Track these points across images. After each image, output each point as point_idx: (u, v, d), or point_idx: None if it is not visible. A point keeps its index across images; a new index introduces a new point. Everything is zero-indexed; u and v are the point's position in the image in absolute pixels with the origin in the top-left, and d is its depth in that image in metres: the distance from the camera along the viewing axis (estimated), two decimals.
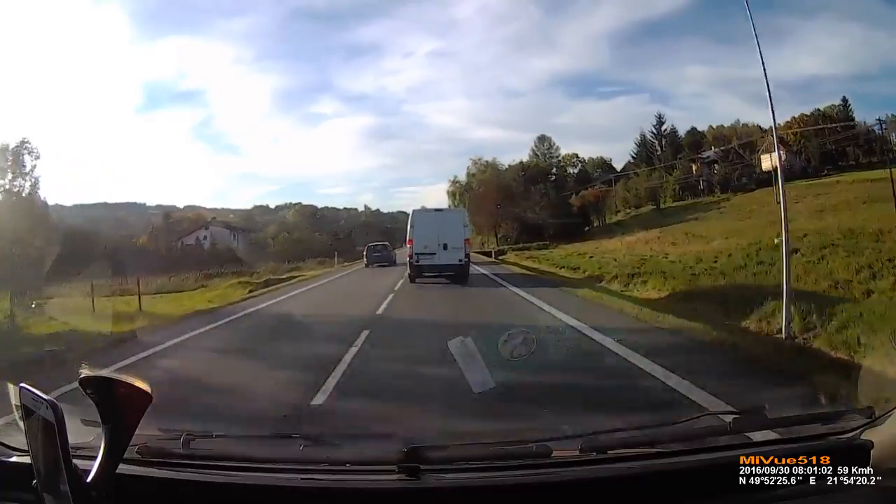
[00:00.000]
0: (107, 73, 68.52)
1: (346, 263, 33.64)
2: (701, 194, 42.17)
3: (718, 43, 66.84)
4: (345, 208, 60.27)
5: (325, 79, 76.91)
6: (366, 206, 65.90)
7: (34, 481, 1.14)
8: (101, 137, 69.93)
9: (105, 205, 46.29)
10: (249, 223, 51.19)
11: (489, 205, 47.15)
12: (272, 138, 79.92)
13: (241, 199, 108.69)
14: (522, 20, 72.53)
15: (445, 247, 15.42)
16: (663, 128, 49.12)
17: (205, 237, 44.13)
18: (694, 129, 48.34)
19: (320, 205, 60.42)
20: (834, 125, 38.60)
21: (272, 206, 59.76)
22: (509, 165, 52.88)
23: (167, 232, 44.45)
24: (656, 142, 48.80)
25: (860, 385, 4.25)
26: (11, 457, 1.47)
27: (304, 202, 59.68)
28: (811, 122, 39.41)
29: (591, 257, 26.03)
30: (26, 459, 1.29)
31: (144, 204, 49.43)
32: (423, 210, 17.49)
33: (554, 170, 52.68)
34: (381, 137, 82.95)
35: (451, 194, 53.40)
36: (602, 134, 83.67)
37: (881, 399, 1.83)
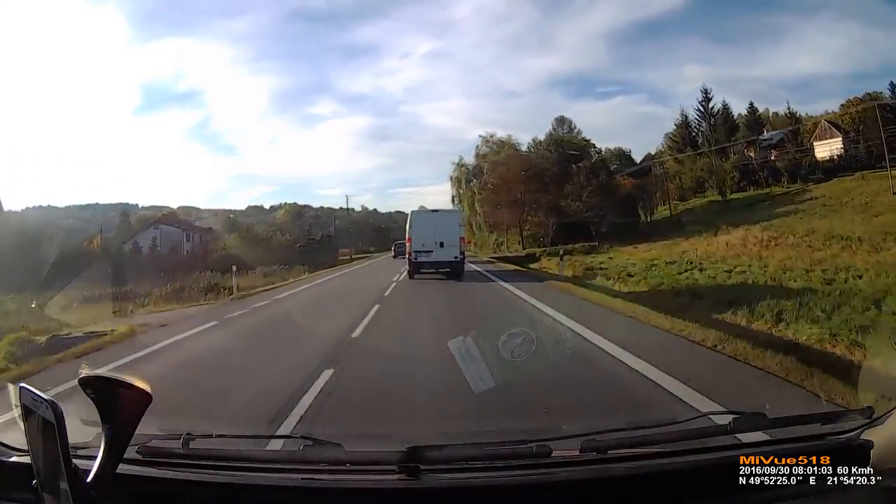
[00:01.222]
0: (104, 74, 68.21)
1: (272, 284, 19.59)
2: (764, 183, 34.73)
3: (716, 42, 66.81)
4: (340, 208, 58.92)
5: (322, 79, 76.56)
6: (363, 206, 64.48)
7: (34, 481, 1.14)
8: (96, 138, 69.55)
9: (97, 205, 45.64)
10: (230, 224, 44.82)
11: (509, 193, 36.65)
12: (270, 139, 79.73)
13: (238, 200, 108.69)
14: (520, 20, 72.40)
15: (442, 245, 16.46)
16: (711, 105, 38.91)
17: (153, 238, 37.61)
18: (751, 105, 39.50)
19: (316, 205, 58.46)
20: (883, 102, 32.93)
21: (266, 206, 58.79)
22: (534, 140, 41.51)
23: (126, 233, 39.03)
24: (703, 122, 38.95)
25: (860, 385, 4.25)
26: (11, 457, 1.47)
27: (300, 202, 57.22)
28: (865, 108, 33.65)
29: (701, 270, 18.97)
30: (26, 459, 1.29)
31: (137, 205, 48.41)
32: (421, 210, 18.94)
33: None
34: (378, 138, 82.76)
35: (456, 181, 43.56)
36: (601, 134, 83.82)
37: (881, 399, 1.84)
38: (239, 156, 76.98)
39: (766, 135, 37.47)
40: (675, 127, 40.61)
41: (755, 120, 38.85)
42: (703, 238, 26.98)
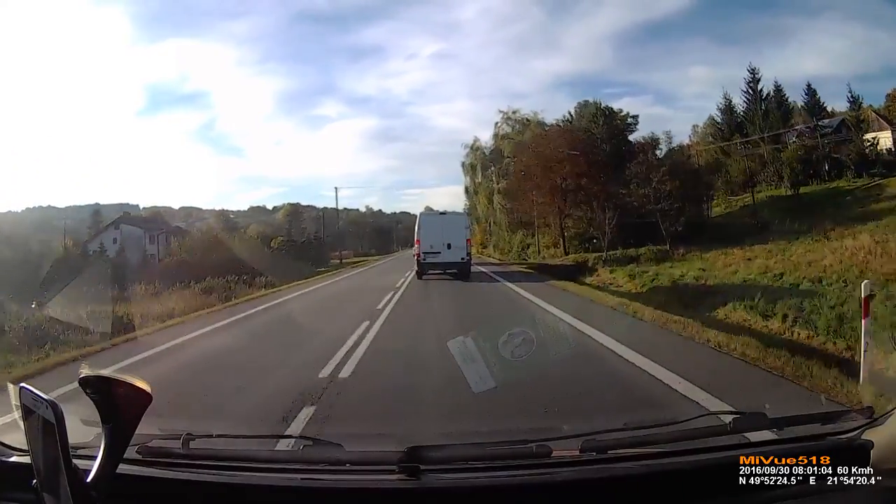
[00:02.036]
0: (108, 75, 68.29)
1: None
2: (827, 176, 29.00)
3: (721, 43, 66.67)
4: (344, 208, 58.03)
5: (328, 81, 76.49)
6: (368, 207, 63.99)
7: (34, 481, 1.15)
8: (100, 139, 69.59)
9: (97, 206, 44.85)
10: (222, 223, 40.58)
11: (546, 178, 27.95)
12: (276, 140, 79.75)
13: (245, 201, 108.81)
14: (525, 22, 72.36)
15: (449, 246, 16.92)
16: (760, 87, 32.44)
17: (114, 240, 32.88)
18: (809, 86, 32.86)
19: (321, 206, 56.78)
20: None
21: (270, 207, 58.10)
22: (576, 111, 32.17)
23: (93, 233, 34.98)
24: (755, 107, 32.61)
25: (860, 385, 4.26)
26: (11, 457, 1.47)
27: (303, 203, 55.77)
28: None
29: None
30: (26, 459, 1.29)
31: (138, 205, 47.74)
32: (429, 213, 19.69)
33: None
34: (385, 139, 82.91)
35: (470, 168, 35.80)
36: None
37: (881, 399, 1.84)
38: (245, 157, 77.10)
39: (826, 122, 31.90)
40: (718, 112, 34.44)
41: (814, 104, 32.48)
42: (815, 241, 20.04)
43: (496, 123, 34.78)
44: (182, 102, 74.60)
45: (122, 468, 1.13)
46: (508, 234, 34.29)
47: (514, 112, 33.80)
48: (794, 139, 31.16)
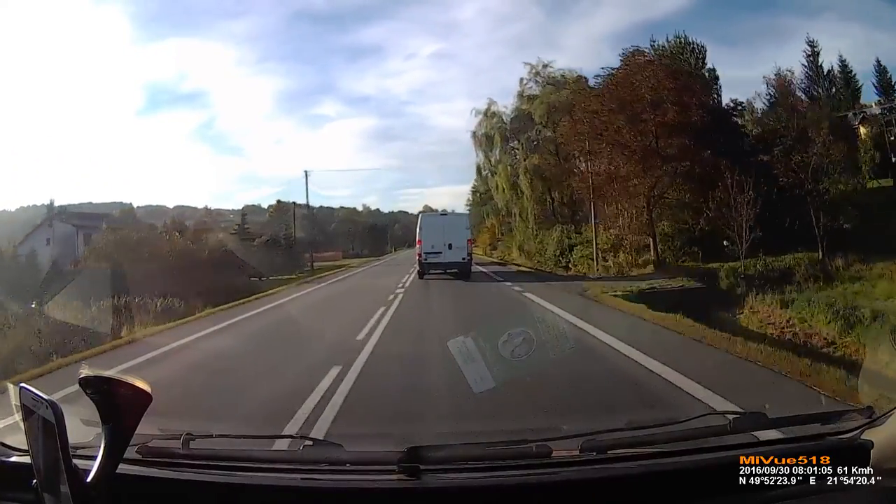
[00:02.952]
0: (107, 74, 67.61)
1: None
2: None
3: (719, 44, 66.08)
4: (340, 207, 57.01)
5: (327, 80, 75.63)
6: (365, 206, 63.37)
7: (34, 481, 1.14)
8: (98, 138, 68.67)
9: (90, 205, 44.26)
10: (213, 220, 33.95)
11: (632, 137, 18.58)
12: (275, 140, 78.98)
13: (245, 200, 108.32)
14: (525, 21, 71.93)
15: (450, 246, 17.22)
16: (820, 62, 25.71)
17: (48, 240, 28.12)
18: (878, 63, 25.67)
19: (317, 205, 54.06)
20: None
21: (264, 205, 56.95)
22: (655, 46, 21.84)
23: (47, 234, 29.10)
24: (815, 86, 26.14)
25: (860, 385, 4.25)
26: (11, 457, 1.47)
27: (299, 202, 52.82)
28: None
29: None
30: (26, 459, 1.29)
31: (131, 204, 47.38)
32: (431, 213, 20.06)
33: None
34: (384, 139, 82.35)
35: (485, 139, 26.18)
36: None
37: (881, 399, 1.83)
38: (244, 156, 76.32)
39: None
40: (769, 90, 26.63)
41: (885, 83, 26.78)
42: None
43: (521, 80, 25.26)
44: (181, 101, 73.96)
45: (122, 468, 1.13)
46: (538, 229, 24.81)
47: (544, 66, 24.49)
48: (857, 123, 25.31)
